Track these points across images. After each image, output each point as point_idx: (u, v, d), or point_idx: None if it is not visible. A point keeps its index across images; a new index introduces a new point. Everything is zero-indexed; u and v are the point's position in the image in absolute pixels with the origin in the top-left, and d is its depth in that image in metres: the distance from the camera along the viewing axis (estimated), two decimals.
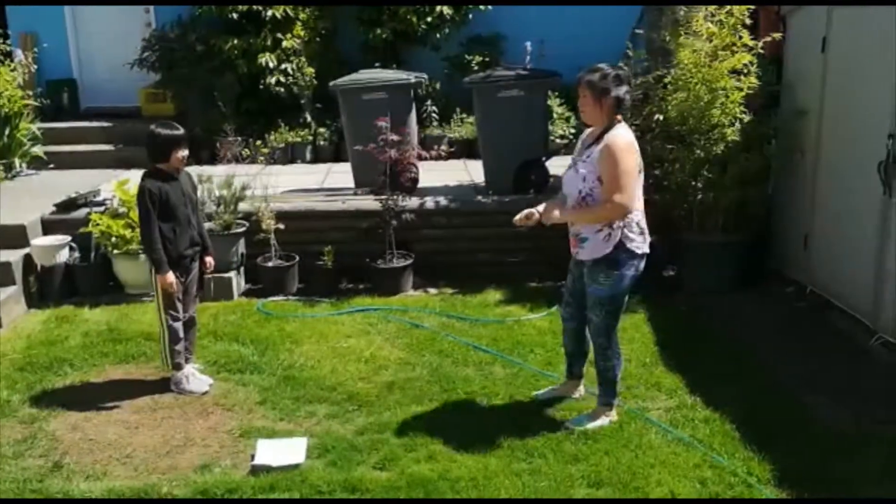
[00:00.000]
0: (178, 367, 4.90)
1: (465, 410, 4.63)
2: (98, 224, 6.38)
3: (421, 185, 7.30)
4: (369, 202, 6.86)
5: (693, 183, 6.28)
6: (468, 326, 5.84)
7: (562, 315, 4.62)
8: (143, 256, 6.27)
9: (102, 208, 6.68)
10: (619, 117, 4.15)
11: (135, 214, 6.30)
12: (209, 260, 5.07)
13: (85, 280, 6.51)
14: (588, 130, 4.27)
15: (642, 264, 4.23)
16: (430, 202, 7.00)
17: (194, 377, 4.95)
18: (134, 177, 7.14)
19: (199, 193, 5.26)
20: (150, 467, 4.13)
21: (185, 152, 4.77)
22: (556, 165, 7.49)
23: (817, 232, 6.01)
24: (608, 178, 4.03)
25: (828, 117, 5.85)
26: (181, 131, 4.74)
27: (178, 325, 4.88)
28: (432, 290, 6.65)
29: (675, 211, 6.44)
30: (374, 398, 4.79)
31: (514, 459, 4.09)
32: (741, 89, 6.09)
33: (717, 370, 4.98)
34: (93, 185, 7.25)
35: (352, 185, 7.49)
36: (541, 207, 4.24)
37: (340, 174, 8.04)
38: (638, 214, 4.16)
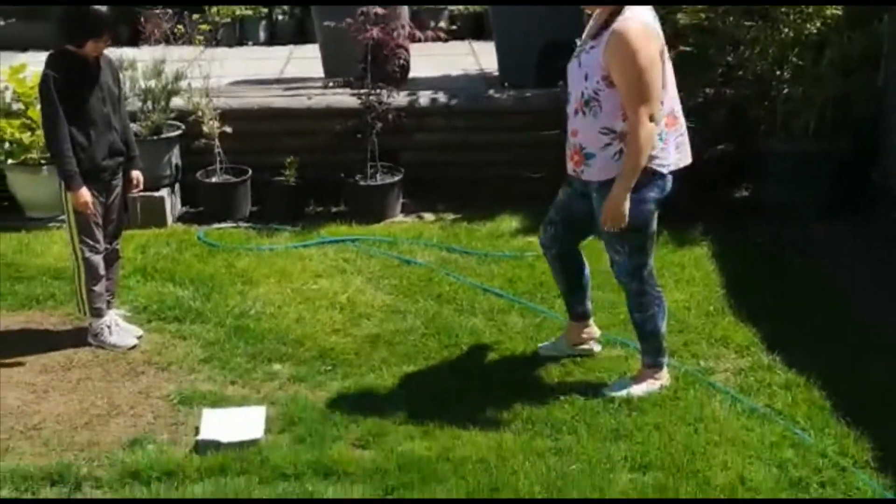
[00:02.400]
0: (97, 313, 4.93)
1: (471, 372, 4.68)
2: None
3: (412, 75, 7.24)
4: (344, 98, 6.82)
5: (778, 72, 6.22)
6: (475, 263, 5.87)
7: (541, 240, 4.67)
8: (47, 168, 6.27)
9: None
10: None
11: (35, 112, 6.28)
12: (136, 174, 5.05)
13: None
14: (596, 12, 4.26)
15: (669, 184, 4.27)
16: (424, 98, 6.95)
17: (118, 327, 4.98)
18: (33, 62, 7.08)
19: (122, 86, 5.22)
20: (65, 442, 4.18)
21: (108, 41, 4.74)
22: None
23: None
24: (625, 84, 4.03)
25: None
26: (113, 12, 4.70)
27: (98, 259, 4.89)
28: (427, 216, 6.66)
29: (752, 110, 6.40)
30: (353, 356, 4.82)
31: (535, 435, 4.15)
32: None
33: (802, 322, 5.02)
34: None
35: (321, 74, 7.43)
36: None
37: (305, 60, 7.98)
38: (662, 122, 4.15)
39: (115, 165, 4.91)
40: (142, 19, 8.38)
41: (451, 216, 6.62)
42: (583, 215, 4.37)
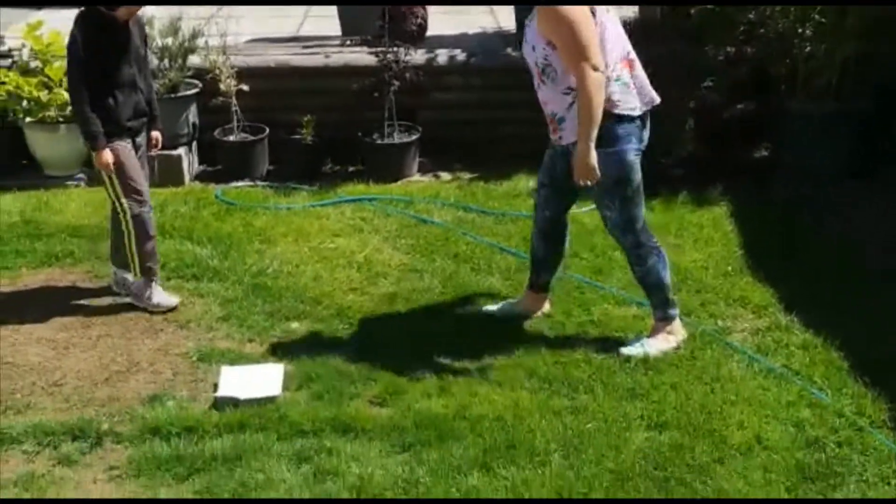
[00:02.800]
0: (148, 272, 4.91)
1: (487, 331, 4.70)
2: (3, 82, 6.37)
3: (430, 33, 7.20)
4: (362, 56, 6.80)
5: (800, 30, 6.17)
6: (492, 222, 5.88)
7: (536, 202, 4.72)
8: (65, 127, 6.29)
9: (9, 62, 6.65)
10: None
11: (53, 70, 6.30)
12: (155, 134, 5.07)
13: None
14: None
15: (646, 132, 4.33)
16: (442, 56, 6.92)
17: (159, 290, 4.97)
18: (50, 18, 7.09)
19: (149, 46, 5.22)
20: (86, 398, 4.24)
21: (140, 5, 4.75)
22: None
23: None
24: (561, 43, 4.14)
25: None
26: None
27: (147, 216, 4.87)
28: (444, 175, 6.66)
29: (773, 68, 6.35)
30: (371, 315, 4.86)
31: (552, 394, 4.18)
32: None
33: (821, 283, 5.02)
34: None
35: (338, 32, 7.40)
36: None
37: (323, 18, 7.94)
38: (617, 67, 4.22)
39: (139, 126, 4.93)
40: None
41: (467, 175, 6.62)
42: (565, 176, 4.41)
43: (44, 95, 6.33)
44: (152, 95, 5.05)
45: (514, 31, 7.39)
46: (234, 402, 4.14)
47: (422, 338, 4.64)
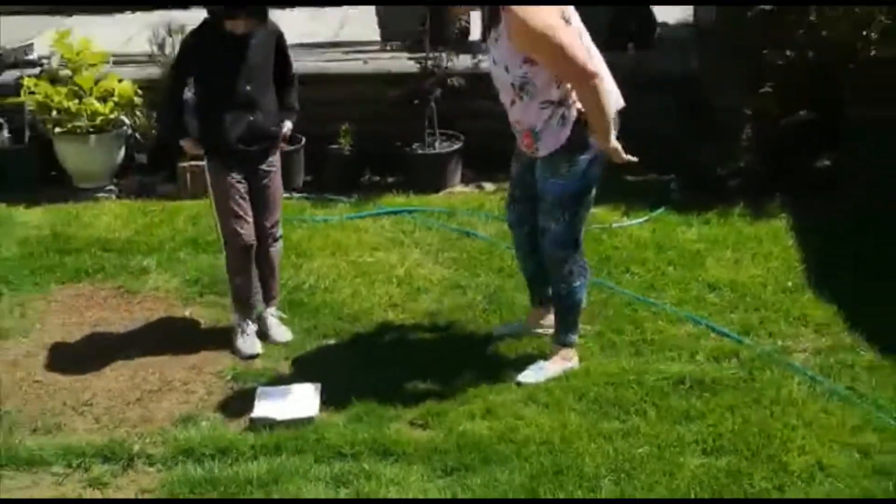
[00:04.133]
0: (237, 307, 4.77)
1: (534, 351, 4.70)
2: (33, 92, 6.44)
3: (474, 37, 7.22)
4: (402, 62, 6.83)
5: (864, 33, 6.11)
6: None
7: (508, 220, 4.78)
8: (94, 138, 6.38)
9: (38, 70, 6.74)
10: None
11: (83, 79, 6.39)
12: (286, 127, 4.94)
13: (18, 169, 6.64)
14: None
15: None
16: (485, 63, 6.92)
17: (247, 333, 4.76)
18: (79, 25, 7.20)
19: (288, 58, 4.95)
20: (117, 418, 4.29)
21: (248, 20, 4.50)
22: (667, 8, 7.36)
23: None
24: (549, 58, 4.16)
25: None
26: None
27: (242, 243, 4.66)
28: (488, 186, 6.67)
29: (834, 75, 6.29)
30: (411, 332, 4.88)
31: (602, 417, 4.17)
32: None
33: (887, 301, 4.94)
34: (22, 37, 7.30)
35: (377, 37, 7.44)
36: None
37: (361, 22, 7.98)
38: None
39: (257, 151, 4.71)
40: None
41: None
42: (535, 184, 4.46)
43: (74, 105, 6.39)
44: (291, 101, 4.92)
45: None
46: (270, 424, 4.17)
47: (465, 357, 4.66)
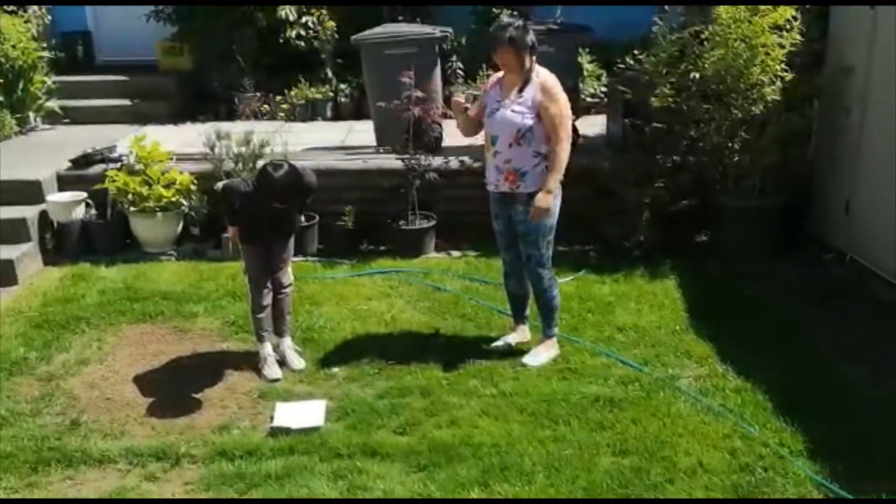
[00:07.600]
0: (259, 338, 4.76)
1: (488, 376, 4.64)
2: (114, 181, 6.41)
3: (445, 144, 7.25)
4: (391, 161, 6.84)
5: (729, 144, 6.18)
6: (492, 290, 5.83)
7: (505, 261, 4.87)
8: (160, 215, 6.33)
9: (119, 164, 6.71)
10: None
11: (152, 171, 6.38)
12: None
13: (101, 237, 6.58)
14: (496, 76, 4.62)
15: None
16: (454, 162, 6.95)
17: (269, 361, 4.71)
18: (151, 132, 7.20)
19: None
20: (168, 427, 4.20)
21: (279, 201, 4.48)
22: (587, 124, 7.43)
23: (860, 196, 5.91)
24: (557, 117, 4.39)
25: (876, 75, 5.72)
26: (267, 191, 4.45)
27: (259, 291, 4.69)
28: (455, 253, 6.64)
29: (709, 173, 6.36)
30: (396, 362, 4.81)
31: (538, 426, 4.12)
32: (783, 46, 5.95)
33: (750, 339, 4.94)
34: (109, 140, 7.29)
35: (373, 143, 7.47)
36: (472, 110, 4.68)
37: (362, 132, 8.01)
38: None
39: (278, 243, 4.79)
40: (236, 100, 8.52)
41: (473, 253, 6.58)
42: (514, 215, 4.62)
43: (145, 190, 6.36)
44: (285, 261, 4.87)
45: None
46: (286, 431, 4.10)
47: (436, 381, 4.59)
